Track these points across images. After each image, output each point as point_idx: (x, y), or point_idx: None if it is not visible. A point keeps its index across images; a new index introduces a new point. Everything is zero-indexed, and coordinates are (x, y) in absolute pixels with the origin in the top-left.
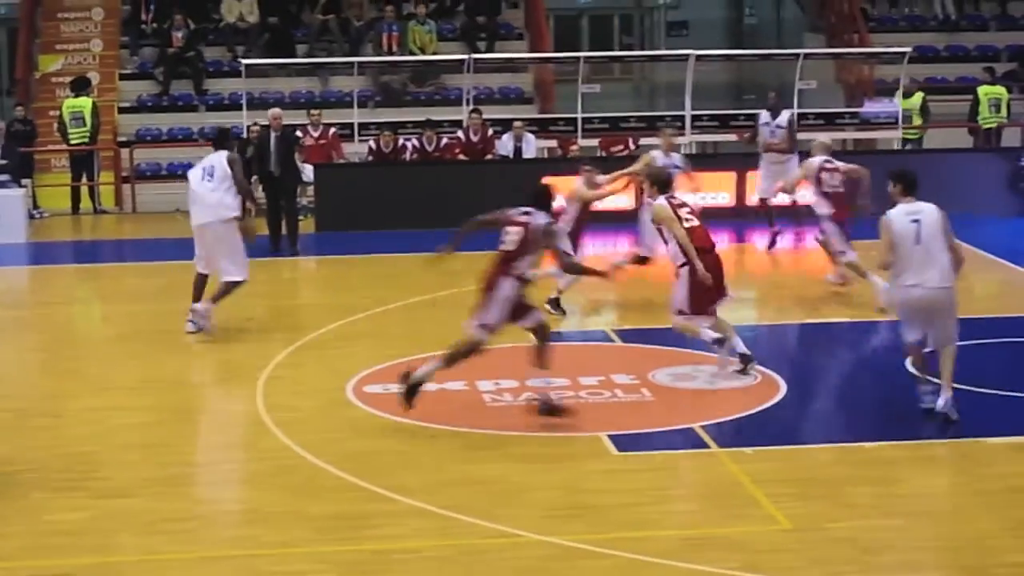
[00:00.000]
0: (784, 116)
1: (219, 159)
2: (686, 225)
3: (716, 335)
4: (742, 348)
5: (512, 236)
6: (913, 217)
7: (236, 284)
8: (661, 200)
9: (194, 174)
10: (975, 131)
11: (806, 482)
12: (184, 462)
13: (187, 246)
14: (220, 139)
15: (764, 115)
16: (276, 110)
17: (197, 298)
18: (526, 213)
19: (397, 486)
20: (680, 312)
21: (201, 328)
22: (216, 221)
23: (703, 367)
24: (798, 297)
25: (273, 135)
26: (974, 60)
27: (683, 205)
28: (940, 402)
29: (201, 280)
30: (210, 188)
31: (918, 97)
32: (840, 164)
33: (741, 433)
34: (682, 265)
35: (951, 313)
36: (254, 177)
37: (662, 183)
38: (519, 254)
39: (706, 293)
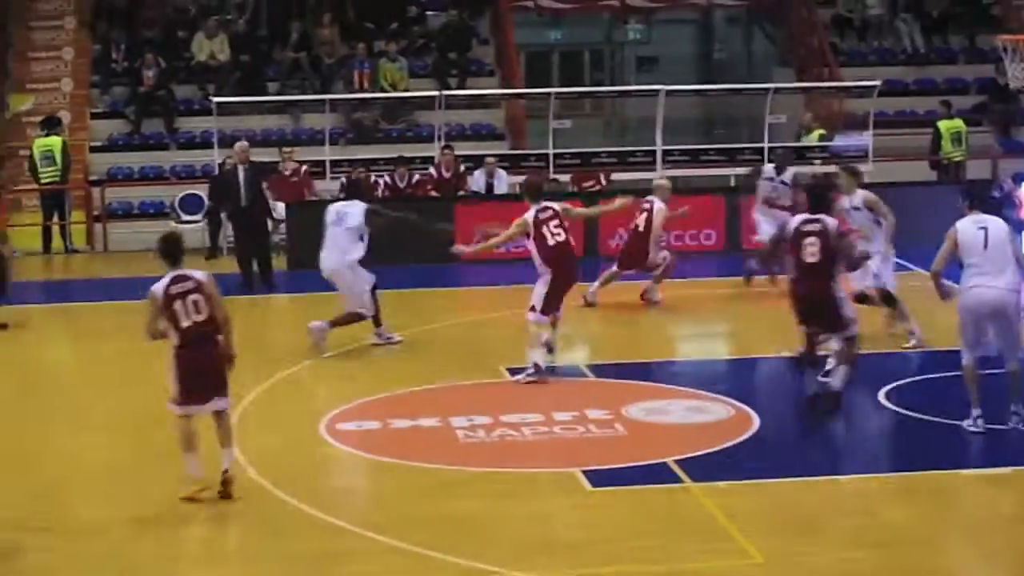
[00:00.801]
0: (789, 173)
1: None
2: (551, 242)
3: (548, 337)
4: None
5: (814, 247)
6: (980, 225)
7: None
8: (529, 213)
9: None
10: (938, 165)
11: (779, 516)
12: (155, 500)
13: None
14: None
15: (768, 169)
16: (243, 143)
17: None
18: (815, 221)
19: (369, 523)
20: (532, 309)
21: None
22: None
23: (677, 401)
24: (771, 330)
25: (241, 169)
26: (943, 93)
27: (553, 219)
28: (1015, 420)
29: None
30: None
31: (815, 135)
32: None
33: (714, 467)
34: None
35: (1015, 319)
36: (222, 214)
37: (531, 194)
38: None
39: (555, 298)
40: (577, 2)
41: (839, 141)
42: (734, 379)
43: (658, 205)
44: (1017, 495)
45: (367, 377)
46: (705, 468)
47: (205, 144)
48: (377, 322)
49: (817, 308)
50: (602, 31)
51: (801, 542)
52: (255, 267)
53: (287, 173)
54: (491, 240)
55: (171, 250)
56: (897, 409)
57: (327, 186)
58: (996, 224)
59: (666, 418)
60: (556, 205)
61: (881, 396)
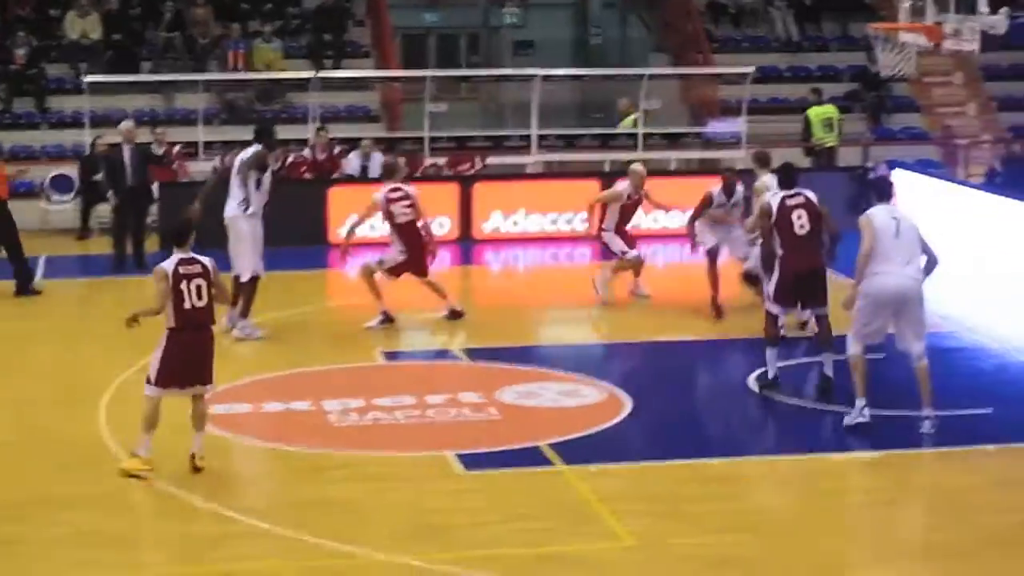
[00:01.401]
0: (739, 193)
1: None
2: (399, 220)
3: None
4: None
5: (802, 219)
6: (893, 215)
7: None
8: (380, 191)
9: None
10: (811, 151)
11: (651, 499)
12: (26, 485)
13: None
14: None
15: (717, 195)
16: (129, 123)
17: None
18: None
19: (245, 507)
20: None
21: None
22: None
23: (550, 385)
24: (643, 314)
25: (127, 149)
26: (816, 80)
27: (403, 199)
28: (926, 424)
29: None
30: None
31: (629, 121)
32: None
33: (587, 450)
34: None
35: (922, 308)
36: (109, 193)
37: (387, 172)
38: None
39: (404, 267)
40: None
41: (713, 127)
42: (606, 363)
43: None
44: (885, 479)
45: (239, 360)
46: (577, 451)
47: (76, 124)
48: (244, 313)
49: (812, 280)
50: (479, 15)
51: (671, 525)
52: (128, 247)
53: (160, 153)
54: (352, 224)
55: (181, 231)
56: (766, 393)
57: (200, 167)
58: (906, 216)
59: (539, 401)
60: (409, 187)
61: (751, 380)
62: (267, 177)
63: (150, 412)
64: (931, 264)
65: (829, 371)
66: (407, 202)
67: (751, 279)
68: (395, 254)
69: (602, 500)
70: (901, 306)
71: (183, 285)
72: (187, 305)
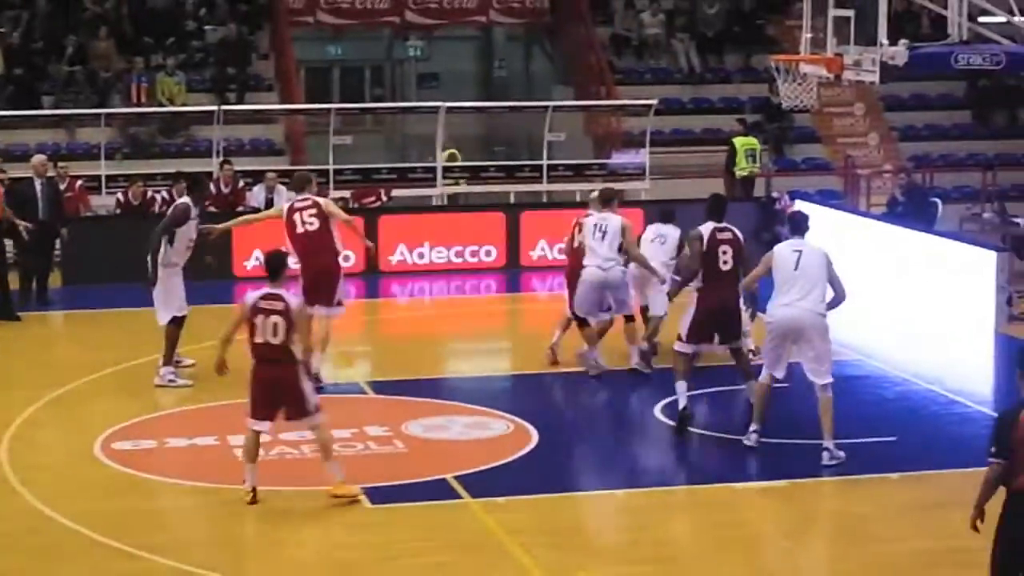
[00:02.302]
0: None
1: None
2: (300, 230)
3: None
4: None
5: (727, 255)
6: (795, 248)
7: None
8: (288, 201)
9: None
10: (730, 182)
11: (558, 531)
12: None
13: None
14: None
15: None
16: (40, 157)
17: None
18: (726, 229)
19: (148, 545)
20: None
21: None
22: None
23: (457, 418)
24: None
25: (38, 183)
26: (719, 112)
27: (309, 208)
28: (826, 456)
29: None
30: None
31: (447, 153)
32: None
33: (494, 483)
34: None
35: (823, 341)
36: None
37: (295, 184)
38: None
39: (311, 293)
40: (356, 18)
41: (616, 159)
42: (513, 395)
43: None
44: (789, 508)
45: (143, 396)
46: (484, 484)
47: None
48: (167, 360)
49: (726, 316)
50: (382, 47)
51: (579, 557)
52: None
53: (62, 188)
54: (243, 218)
55: (275, 266)
56: (673, 424)
57: (103, 201)
58: (812, 250)
59: (446, 434)
60: (321, 199)
61: (657, 411)
62: (187, 228)
63: (248, 444)
64: (836, 300)
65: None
66: (313, 211)
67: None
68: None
69: (510, 532)
70: (799, 337)
71: (259, 319)
72: (259, 339)
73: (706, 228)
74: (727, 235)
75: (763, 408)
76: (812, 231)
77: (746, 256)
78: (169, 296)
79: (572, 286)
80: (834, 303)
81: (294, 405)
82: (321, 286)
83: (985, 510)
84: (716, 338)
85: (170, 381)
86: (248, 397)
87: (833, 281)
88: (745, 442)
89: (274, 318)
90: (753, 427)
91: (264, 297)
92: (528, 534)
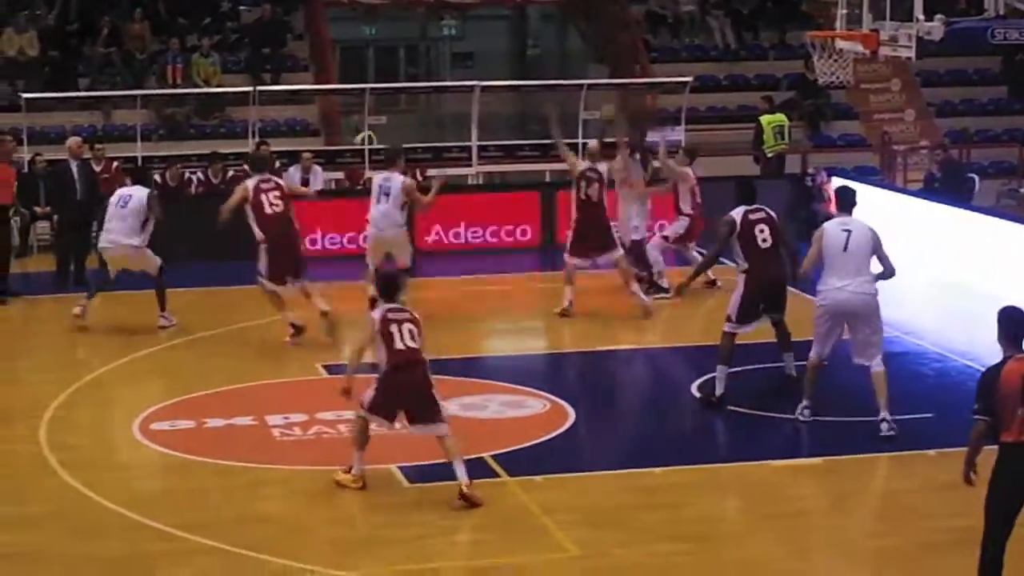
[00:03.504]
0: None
1: None
2: (267, 210)
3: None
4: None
5: (764, 233)
6: (845, 227)
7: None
8: (251, 181)
9: None
10: (760, 159)
11: (594, 509)
12: None
13: None
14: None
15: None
16: (76, 138)
17: None
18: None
19: (186, 524)
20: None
21: None
22: None
23: (494, 396)
24: (586, 324)
25: (74, 164)
26: (754, 89)
27: (273, 189)
28: (884, 427)
29: None
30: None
31: (360, 137)
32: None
33: (531, 462)
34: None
35: (876, 318)
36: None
37: (253, 165)
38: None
39: (278, 267)
40: None
41: (653, 136)
42: (550, 374)
43: (603, 167)
44: (827, 485)
45: (181, 376)
46: (521, 463)
47: (15, 140)
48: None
49: (775, 290)
50: (417, 27)
51: (615, 535)
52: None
53: (98, 169)
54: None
55: (389, 288)
56: (703, 398)
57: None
58: (860, 228)
59: (483, 413)
60: (280, 180)
61: (694, 388)
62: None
63: (358, 430)
64: (885, 275)
65: (792, 371)
66: (277, 193)
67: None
68: (263, 257)
69: (546, 511)
70: (852, 319)
71: (393, 328)
72: (399, 345)
73: (737, 213)
74: (760, 215)
75: (813, 384)
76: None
77: (783, 232)
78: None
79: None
80: (883, 277)
81: (430, 410)
82: (289, 262)
83: (976, 463)
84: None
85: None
86: (372, 392)
87: (882, 258)
88: (799, 418)
89: (407, 325)
90: (805, 403)
91: (388, 311)
92: (565, 512)
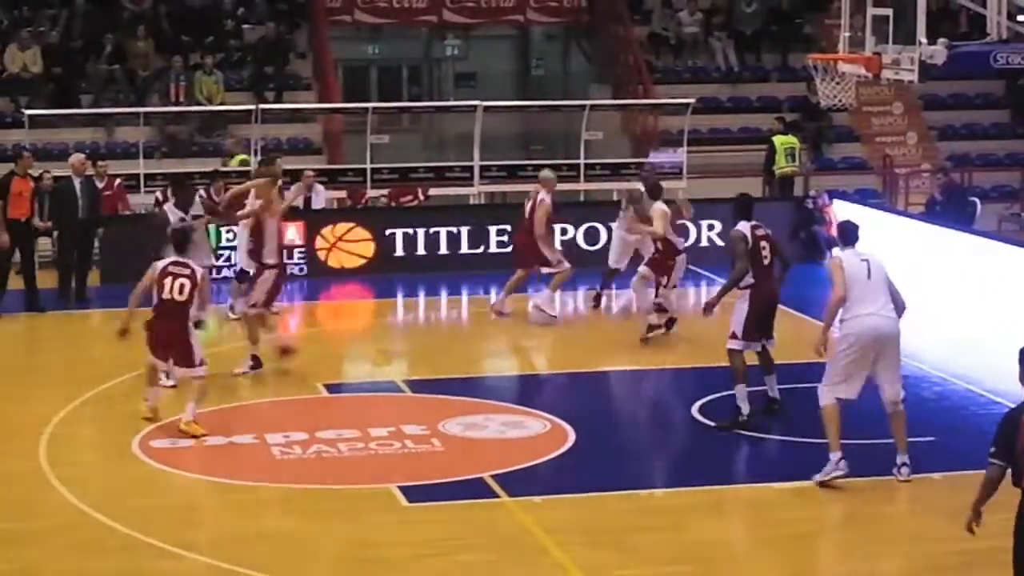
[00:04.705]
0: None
1: None
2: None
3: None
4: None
5: (766, 250)
6: (862, 258)
7: None
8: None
9: None
10: (770, 180)
11: (596, 530)
12: None
13: None
14: None
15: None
16: (79, 155)
17: None
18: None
19: (185, 542)
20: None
21: None
22: None
23: (494, 416)
24: (586, 344)
25: (77, 181)
26: (756, 111)
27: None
28: (905, 471)
29: None
30: None
31: (237, 159)
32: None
33: (531, 482)
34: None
35: (898, 350)
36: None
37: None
38: None
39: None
40: (395, 17)
41: (654, 157)
42: (550, 394)
43: (540, 196)
44: (828, 507)
45: (181, 394)
46: (521, 483)
47: (18, 157)
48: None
49: (773, 311)
50: (420, 46)
51: (616, 556)
52: (73, 282)
53: (100, 186)
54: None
55: (177, 242)
56: (710, 423)
57: (141, 200)
58: (875, 258)
59: (483, 433)
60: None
61: (694, 410)
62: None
63: (148, 368)
64: (899, 309)
65: (775, 393)
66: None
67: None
68: (259, 283)
69: (547, 532)
70: (883, 347)
71: (167, 280)
72: (164, 295)
73: (745, 227)
74: (761, 231)
75: (838, 432)
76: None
77: (781, 249)
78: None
79: None
80: (899, 313)
81: (184, 355)
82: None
83: (983, 512)
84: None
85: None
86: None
87: (895, 292)
88: (835, 474)
89: (181, 280)
90: (836, 455)
91: (171, 264)
92: (565, 533)
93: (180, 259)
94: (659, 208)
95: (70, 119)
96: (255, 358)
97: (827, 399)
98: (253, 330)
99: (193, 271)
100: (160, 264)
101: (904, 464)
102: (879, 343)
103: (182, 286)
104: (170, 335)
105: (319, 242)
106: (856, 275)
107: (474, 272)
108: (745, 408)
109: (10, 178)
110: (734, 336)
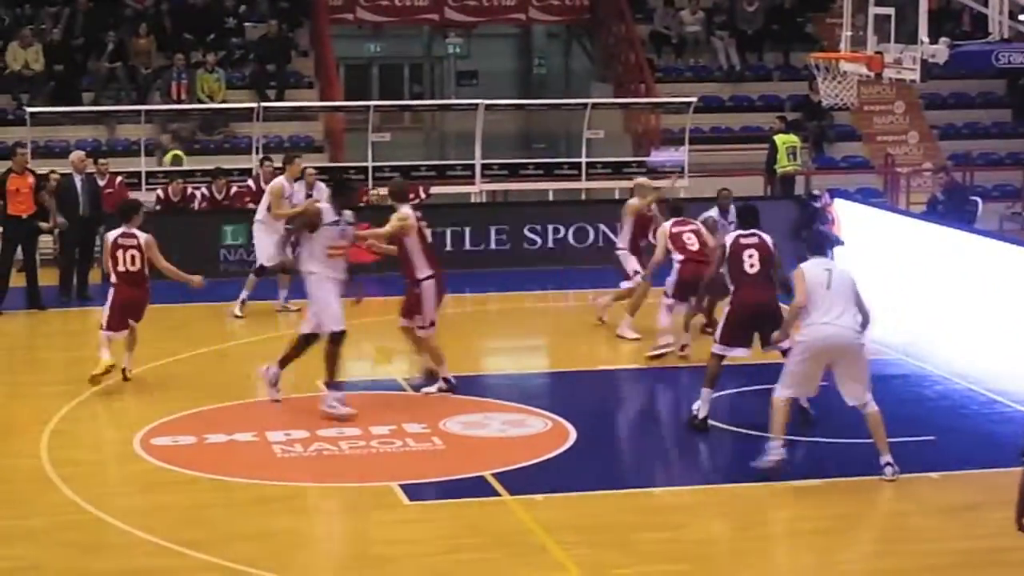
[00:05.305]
0: (732, 211)
1: None
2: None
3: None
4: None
5: (753, 259)
6: (825, 267)
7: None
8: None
9: None
10: (772, 179)
11: (595, 529)
12: None
13: None
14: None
15: (714, 213)
16: (79, 152)
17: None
18: (752, 235)
19: (186, 541)
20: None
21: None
22: None
23: (495, 415)
24: (586, 344)
25: (78, 179)
26: (758, 110)
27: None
28: (889, 471)
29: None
30: None
31: (169, 157)
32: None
33: (531, 480)
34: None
35: (862, 359)
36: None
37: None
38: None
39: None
40: (396, 15)
41: (655, 156)
42: (551, 393)
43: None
44: (828, 507)
45: (182, 391)
46: (522, 481)
47: (13, 154)
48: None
49: (763, 318)
50: (422, 44)
51: (615, 555)
52: (74, 279)
53: (102, 184)
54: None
55: (124, 212)
56: (709, 422)
57: (143, 197)
58: (840, 268)
59: (484, 431)
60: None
61: (694, 409)
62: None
63: (103, 343)
64: (864, 320)
65: (806, 403)
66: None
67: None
68: (423, 300)
69: (547, 530)
70: (838, 356)
71: (119, 253)
72: (121, 268)
73: (729, 237)
74: (752, 240)
75: (784, 424)
76: (854, 230)
77: (777, 258)
78: (314, 305)
79: None
80: (863, 324)
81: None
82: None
83: None
84: (752, 339)
85: (331, 407)
86: (107, 312)
87: (859, 303)
88: (770, 459)
89: (131, 252)
90: (776, 442)
91: (120, 236)
92: (566, 532)
93: (126, 231)
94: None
95: (72, 117)
96: (446, 380)
97: (780, 392)
98: (434, 351)
99: (138, 240)
100: (109, 238)
101: (888, 464)
102: (832, 351)
103: (133, 257)
104: (132, 300)
105: None
106: (817, 284)
107: (476, 270)
108: (703, 411)
109: (7, 175)
110: (715, 340)
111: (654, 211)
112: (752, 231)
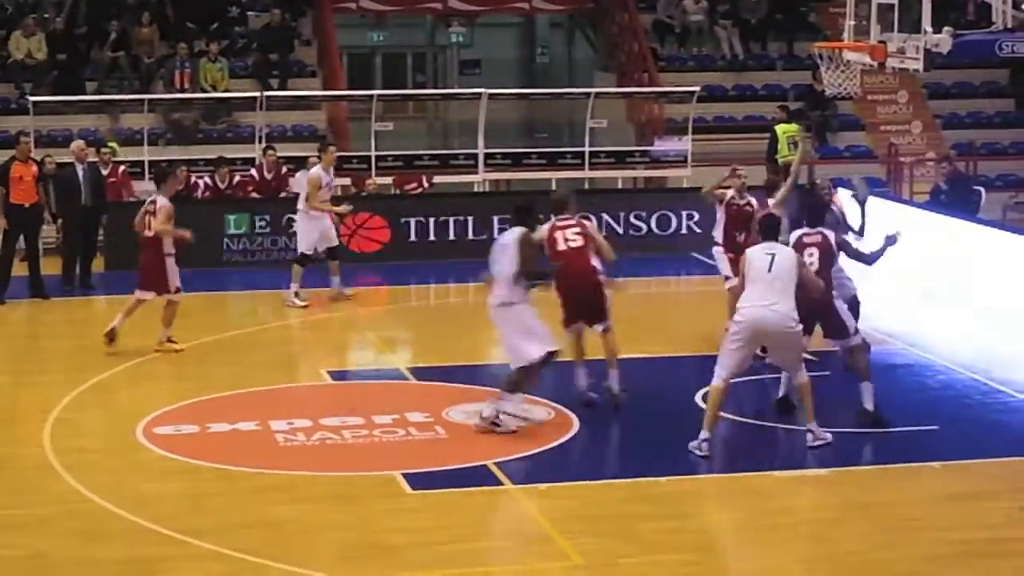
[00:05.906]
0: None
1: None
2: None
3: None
4: None
5: (812, 257)
6: (769, 251)
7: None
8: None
9: None
10: (772, 169)
11: (599, 518)
12: None
13: None
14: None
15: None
16: (79, 142)
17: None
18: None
19: (189, 529)
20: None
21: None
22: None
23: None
24: (591, 333)
25: (80, 168)
26: (762, 99)
27: (571, 227)
28: (809, 437)
29: None
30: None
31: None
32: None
33: (535, 470)
34: None
35: (793, 348)
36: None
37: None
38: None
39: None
40: (399, 4)
41: (658, 146)
42: (554, 382)
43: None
44: (832, 496)
45: (184, 380)
46: (525, 470)
47: (16, 143)
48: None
49: (811, 311)
50: (425, 33)
51: (620, 545)
52: (77, 268)
53: (105, 173)
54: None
55: (157, 177)
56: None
57: (145, 187)
58: (784, 252)
59: None
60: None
61: (698, 398)
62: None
63: (128, 308)
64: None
65: (869, 405)
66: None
67: None
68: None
69: (550, 520)
70: (768, 337)
71: (148, 218)
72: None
73: (794, 235)
74: (815, 238)
75: (717, 410)
76: (854, 218)
77: (833, 255)
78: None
79: None
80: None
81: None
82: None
83: None
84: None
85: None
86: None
87: (808, 280)
88: (695, 452)
89: (149, 217)
90: (704, 435)
91: (149, 202)
92: (569, 521)
93: (154, 198)
94: None
95: (74, 106)
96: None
97: (716, 380)
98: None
99: (155, 206)
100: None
101: (809, 431)
102: (762, 333)
103: (149, 221)
104: (147, 263)
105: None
106: (759, 268)
107: (479, 260)
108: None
109: (10, 164)
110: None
111: (748, 199)
112: (817, 230)
